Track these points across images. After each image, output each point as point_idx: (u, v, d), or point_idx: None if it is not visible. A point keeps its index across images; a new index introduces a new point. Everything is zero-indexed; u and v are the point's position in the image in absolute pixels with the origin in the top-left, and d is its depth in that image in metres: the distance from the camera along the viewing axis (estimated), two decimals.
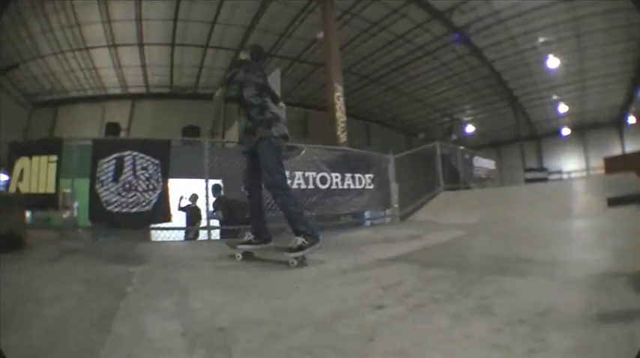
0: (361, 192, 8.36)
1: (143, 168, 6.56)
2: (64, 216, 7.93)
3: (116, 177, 6.48)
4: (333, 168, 7.93)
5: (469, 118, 26.89)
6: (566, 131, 26.95)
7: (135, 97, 20.49)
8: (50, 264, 3.98)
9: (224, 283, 3.32)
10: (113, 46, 17.01)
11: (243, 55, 4.48)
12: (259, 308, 2.49)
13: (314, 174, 7.63)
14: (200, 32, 16.81)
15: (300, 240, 3.85)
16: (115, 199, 6.42)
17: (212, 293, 2.92)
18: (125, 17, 15.41)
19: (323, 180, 7.74)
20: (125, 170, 6.52)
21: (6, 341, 1.74)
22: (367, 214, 9.69)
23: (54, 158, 6.69)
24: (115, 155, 6.57)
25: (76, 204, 8.33)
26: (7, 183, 6.74)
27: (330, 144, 9.42)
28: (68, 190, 7.10)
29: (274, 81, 13.47)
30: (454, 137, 24.51)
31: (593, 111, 24.29)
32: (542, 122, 26.24)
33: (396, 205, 9.46)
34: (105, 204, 6.39)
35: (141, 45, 17.19)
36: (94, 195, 6.42)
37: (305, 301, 2.62)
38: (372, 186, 8.62)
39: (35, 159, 6.71)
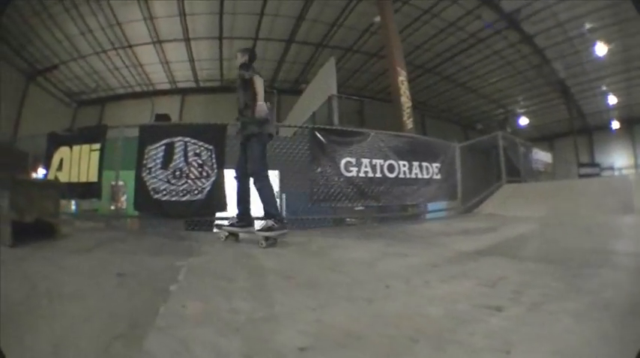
0: (428, 182, 7.83)
1: (196, 155, 6.15)
2: (112, 207, 7.82)
3: (165, 164, 6.10)
4: (400, 155, 7.46)
5: (522, 110, 25.96)
6: (615, 124, 25.64)
7: (185, 92, 20.62)
8: (83, 254, 3.50)
9: (294, 281, 2.71)
10: (158, 42, 17.00)
11: (242, 58, 4.93)
12: (349, 316, 1.94)
13: (381, 161, 7.18)
14: (249, 25, 16.48)
15: (270, 222, 4.32)
16: (163, 187, 6.05)
17: (281, 293, 2.36)
18: (168, 13, 15.28)
19: (390, 169, 7.27)
20: (175, 156, 6.13)
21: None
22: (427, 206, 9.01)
23: (96, 146, 6.43)
24: (164, 141, 6.18)
25: (125, 197, 8.05)
26: (47, 170, 6.58)
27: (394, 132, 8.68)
28: (120, 182, 6.89)
29: (329, 70, 13.09)
30: (508, 129, 23.56)
31: None
32: (593, 114, 25.02)
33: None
34: (152, 193, 6.03)
35: (187, 40, 17.07)
36: (140, 183, 6.07)
37: (405, 303, 2.19)
38: (439, 176, 8.08)
39: (76, 148, 6.49)
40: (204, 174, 6.08)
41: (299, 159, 6.76)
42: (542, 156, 13.12)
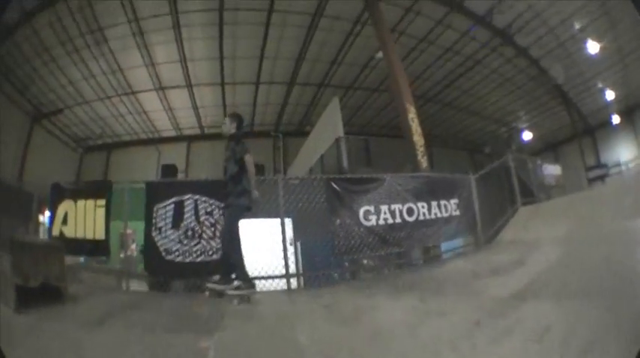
0: (448, 220, 7.70)
1: (207, 213, 6.04)
2: (121, 255, 7.56)
3: (176, 224, 5.95)
4: (418, 197, 7.42)
5: (525, 124, 25.87)
6: (615, 119, 24.94)
7: (190, 139, 20.57)
8: (95, 328, 3.23)
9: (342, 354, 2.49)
10: (161, 89, 17.06)
11: (231, 125, 5.37)
12: None
13: (400, 206, 7.14)
14: (249, 70, 16.58)
15: (238, 283, 4.92)
16: (175, 248, 5.86)
17: None
18: (169, 59, 15.38)
19: (410, 212, 7.20)
20: (186, 216, 6.00)
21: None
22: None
23: (102, 202, 6.27)
24: (173, 199, 6.05)
25: (134, 246, 8.02)
26: (51, 223, 6.39)
27: (404, 171, 8.70)
28: (128, 231, 6.69)
29: (334, 110, 13.03)
30: (513, 147, 23.59)
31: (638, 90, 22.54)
32: (593, 114, 24.68)
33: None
34: (164, 253, 5.84)
35: (189, 86, 17.15)
36: (150, 244, 5.89)
37: None
38: (458, 212, 7.95)
39: (80, 202, 6.31)
40: (218, 233, 5.91)
41: (312, 205, 6.62)
42: (551, 170, 13.33)
